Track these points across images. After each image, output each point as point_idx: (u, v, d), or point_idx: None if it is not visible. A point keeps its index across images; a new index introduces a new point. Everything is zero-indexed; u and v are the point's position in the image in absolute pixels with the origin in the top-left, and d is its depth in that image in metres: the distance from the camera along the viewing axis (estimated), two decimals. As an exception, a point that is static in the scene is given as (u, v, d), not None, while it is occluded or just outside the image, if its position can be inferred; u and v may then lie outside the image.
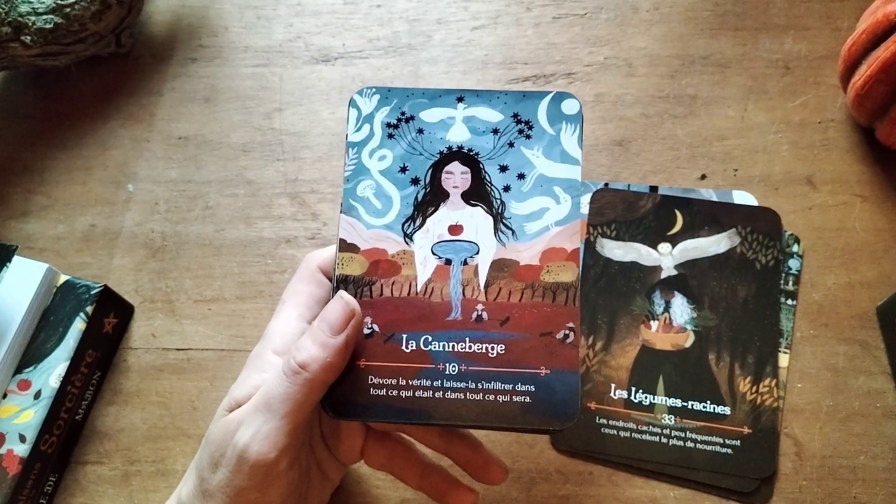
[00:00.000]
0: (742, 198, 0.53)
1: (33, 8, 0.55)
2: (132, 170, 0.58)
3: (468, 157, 0.37)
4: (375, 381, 0.34)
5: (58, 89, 0.62)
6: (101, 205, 0.57)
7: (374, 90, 0.39)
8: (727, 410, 0.47)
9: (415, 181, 0.37)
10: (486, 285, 0.36)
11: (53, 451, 0.48)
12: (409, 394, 0.34)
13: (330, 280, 0.38)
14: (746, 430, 0.47)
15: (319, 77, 0.61)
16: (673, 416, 0.47)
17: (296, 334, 0.36)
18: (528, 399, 0.34)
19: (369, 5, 0.64)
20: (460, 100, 0.38)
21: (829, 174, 0.54)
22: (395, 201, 0.37)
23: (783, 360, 0.49)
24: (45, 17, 0.55)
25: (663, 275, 0.51)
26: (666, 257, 0.51)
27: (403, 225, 0.37)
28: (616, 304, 0.51)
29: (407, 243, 0.36)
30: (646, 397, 0.48)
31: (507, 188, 0.37)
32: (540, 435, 0.48)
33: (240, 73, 0.62)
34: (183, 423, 0.50)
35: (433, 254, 0.36)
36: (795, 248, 0.52)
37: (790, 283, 0.51)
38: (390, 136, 0.38)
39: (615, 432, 0.47)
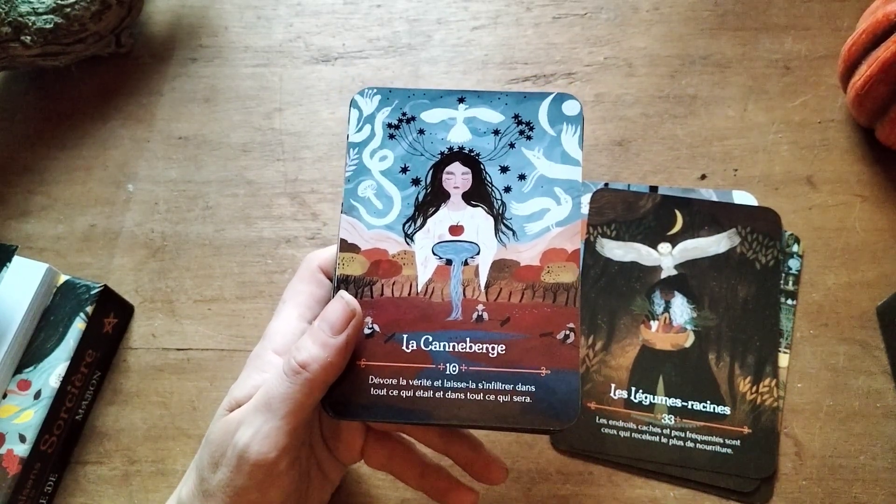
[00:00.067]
0: (742, 198, 0.53)
1: (33, 8, 0.55)
2: (132, 170, 0.58)
3: (469, 158, 0.37)
4: (376, 381, 0.34)
5: (58, 89, 0.62)
6: (101, 205, 0.57)
7: (375, 90, 0.39)
8: (727, 410, 0.47)
9: (416, 182, 0.37)
10: (487, 286, 0.36)
11: (53, 451, 0.48)
12: (410, 394, 0.34)
13: (330, 280, 0.38)
14: (746, 430, 0.47)
15: (319, 77, 0.61)
16: (673, 416, 0.47)
17: (296, 334, 0.36)
18: (528, 399, 0.34)
19: (369, 5, 0.64)
20: (461, 100, 0.38)
21: (829, 174, 0.54)
22: (395, 202, 0.37)
23: (783, 360, 0.49)
24: (45, 17, 0.55)
25: (663, 275, 0.51)
26: (666, 257, 0.51)
27: (404, 225, 0.37)
28: (616, 304, 0.51)
29: (408, 243, 0.36)
30: (646, 397, 0.48)
31: (507, 189, 0.37)
32: (540, 435, 0.48)
33: (240, 73, 0.62)
34: (183, 423, 0.50)
35: (434, 254, 0.36)
36: (795, 248, 0.52)
37: (790, 283, 0.51)
38: (391, 136, 0.38)
39: (615, 432, 0.47)
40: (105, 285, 0.51)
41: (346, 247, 0.36)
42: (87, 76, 0.62)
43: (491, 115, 0.38)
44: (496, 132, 0.38)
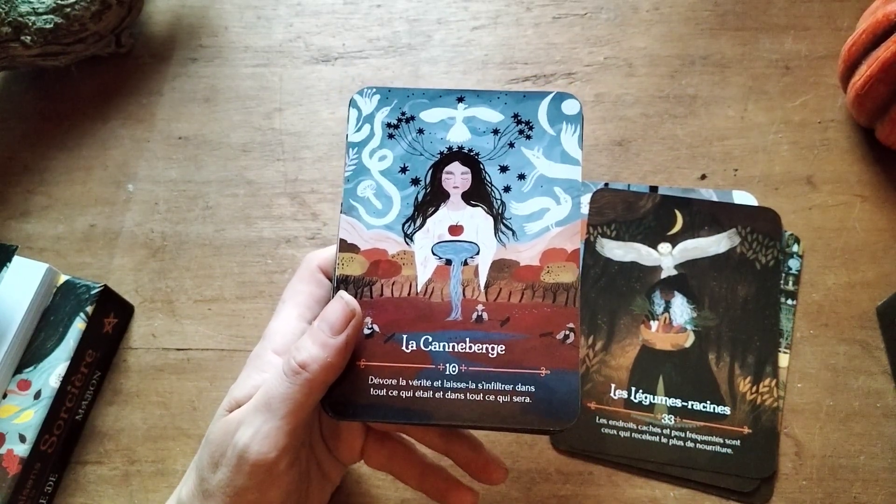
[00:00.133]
0: (742, 198, 0.53)
1: (33, 8, 0.55)
2: (132, 170, 0.58)
3: (468, 158, 0.37)
4: (375, 381, 0.34)
5: (58, 89, 0.62)
6: (101, 205, 0.57)
7: (374, 90, 0.39)
8: (727, 410, 0.47)
9: (415, 181, 0.37)
10: (487, 286, 0.36)
11: (53, 451, 0.48)
12: (410, 394, 0.34)
13: (330, 280, 0.38)
14: (746, 430, 0.47)
15: (319, 77, 0.61)
16: (673, 416, 0.47)
17: (296, 334, 0.36)
18: (528, 399, 0.34)
19: (369, 5, 0.64)
20: (461, 100, 0.38)
21: (829, 174, 0.54)
22: (395, 201, 0.37)
23: (783, 360, 0.49)
24: (45, 17, 0.55)
25: (663, 275, 0.51)
26: (666, 257, 0.51)
27: (404, 225, 0.37)
28: (616, 304, 0.51)
29: (407, 243, 0.36)
30: (646, 397, 0.48)
31: (507, 188, 0.37)
32: (540, 435, 0.48)
33: (240, 73, 0.62)
34: (183, 423, 0.50)
35: (433, 254, 0.36)
36: (795, 248, 0.52)
37: (790, 283, 0.51)
38: (391, 136, 0.38)
39: (615, 432, 0.47)
40: (105, 285, 0.51)
41: (346, 247, 0.36)
42: (87, 76, 0.62)
43: (490, 115, 0.38)
44: (496, 132, 0.38)
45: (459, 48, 0.61)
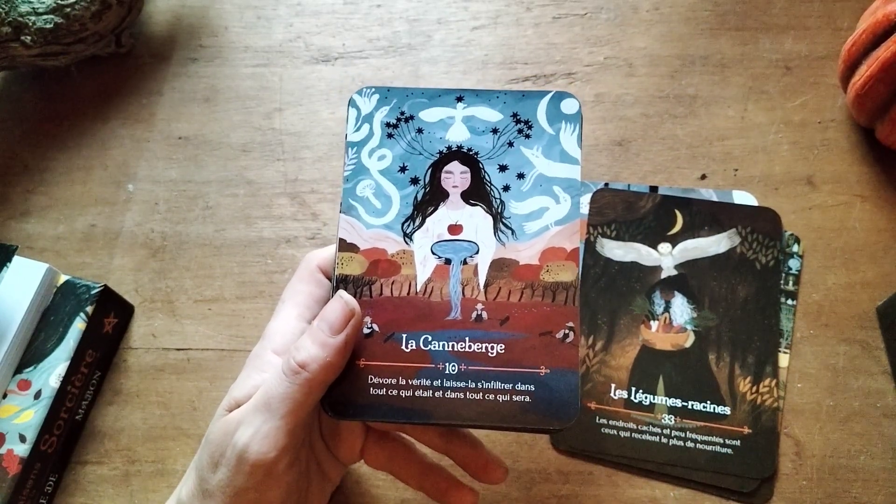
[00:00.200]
0: (742, 198, 0.53)
1: (33, 8, 0.55)
2: (132, 170, 0.58)
3: (468, 157, 0.37)
4: (375, 380, 0.34)
5: (58, 89, 0.62)
6: (101, 205, 0.57)
7: (373, 90, 0.39)
8: (727, 410, 0.47)
9: (414, 181, 0.37)
10: (486, 285, 0.36)
11: (53, 451, 0.48)
12: (409, 393, 0.34)
13: (329, 280, 0.38)
14: (746, 430, 0.47)
15: (319, 77, 0.61)
16: (673, 416, 0.47)
17: (295, 334, 0.36)
18: (527, 398, 0.34)
19: (369, 5, 0.64)
20: (460, 99, 0.38)
21: (829, 174, 0.54)
22: (394, 201, 0.37)
23: (783, 360, 0.49)
24: (45, 17, 0.55)
25: (663, 275, 0.51)
26: (666, 257, 0.51)
27: (403, 224, 0.37)
28: (616, 304, 0.50)
29: (406, 243, 0.36)
30: (646, 397, 0.48)
31: (506, 188, 0.37)
32: (540, 435, 0.48)
33: (240, 73, 0.62)
34: (183, 423, 0.50)
35: (433, 253, 0.36)
36: (795, 248, 0.52)
37: (790, 283, 0.51)
38: (390, 135, 0.38)
39: (615, 432, 0.47)
40: (105, 285, 0.51)
41: (345, 246, 0.36)
42: (87, 76, 0.62)
43: (489, 114, 0.38)
44: (495, 131, 0.38)
45: (459, 48, 0.61)
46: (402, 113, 0.38)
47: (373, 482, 0.47)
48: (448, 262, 0.36)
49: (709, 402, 0.47)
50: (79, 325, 0.49)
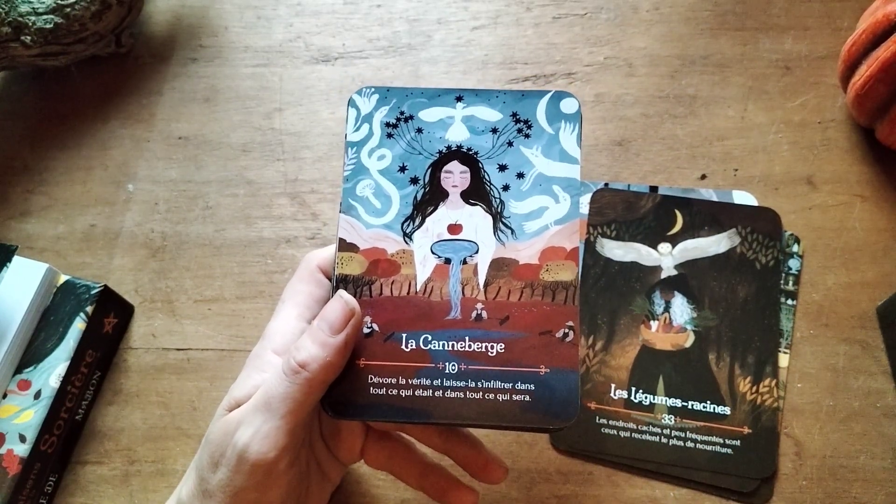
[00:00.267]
0: (742, 198, 0.53)
1: (33, 8, 0.55)
2: (132, 170, 0.58)
3: (467, 157, 0.37)
4: (375, 380, 0.34)
5: (58, 89, 0.62)
6: (101, 205, 0.57)
7: (373, 90, 0.39)
8: (727, 410, 0.47)
9: (414, 180, 0.37)
10: (486, 284, 0.36)
11: (53, 451, 0.48)
12: (409, 393, 0.34)
13: (329, 280, 0.38)
14: (746, 430, 0.47)
15: (319, 77, 0.61)
16: (673, 416, 0.47)
17: (295, 334, 0.36)
18: (527, 398, 0.34)
19: (369, 5, 0.64)
20: (459, 99, 0.38)
21: (829, 174, 0.54)
22: (394, 201, 0.37)
23: (783, 360, 0.49)
24: (45, 17, 0.55)
25: (663, 275, 0.51)
26: (666, 257, 0.51)
27: (403, 224, 0.37)
28: (616, 304, 0.50)
29: (406, 243, 0.36)
30: (646, 397, 0.48)
31: (506, 187, 0.37)
32: (540, 434, 0.48)
33: (240, 73, 0.62)
34: (183, 423, 0.50)
35: (432, 253, 0.36)
36: (795, 248, 0.52)
37: (790, 283, 0.51)
38: (389, 135, 0.38)
39: (615, 432, 0.47)
40: (105, 285, 0.51)
41: (345, 246, 0.36)
42: (87, 76, 0.62)
43: (489, 114, 0.38)
44: (494, 130, 0.38)
45: (459, 48, 0.61)
46: (402, 113, 0.38)
47: (373, 482, 0.47)
48: (448, 261, 0.36)
49: (709, 402, 0.47)
50: (79, 325, 0.49)
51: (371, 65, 0.61)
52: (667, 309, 0.50)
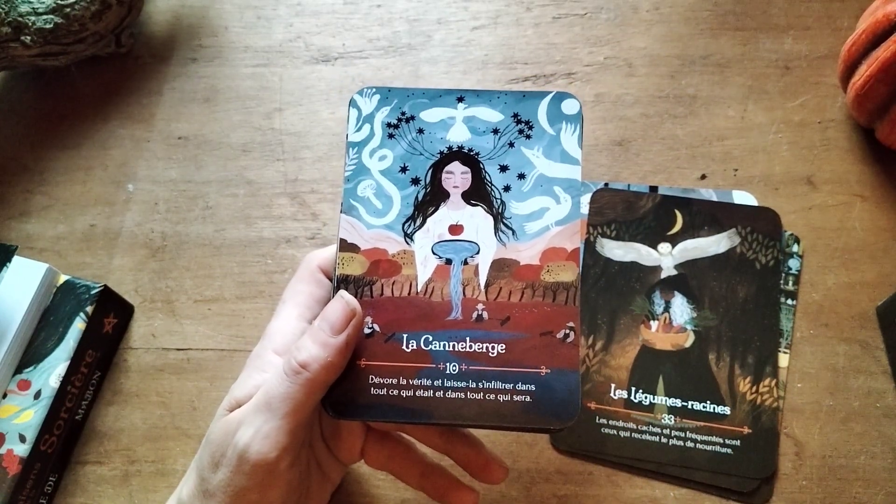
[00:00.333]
0: (742, 198, 0.53)
1: (33, 8, 0.55)
2: (132, 170, 0.58)
3: (468, 157, 0.37)
4: (376, 380, 0.34)
5: (58, 89, 0.62)
6: (101, 205, 0.57)
7: (374, 90, 0.39)
8: (727, 410, 0.47)
9: (415, 181, 0.37)
10: (487, 285, 0.36)
11: (53, 451, 0.48)
12: (410, 393, 0.34)
13: (330, 280, 0.38)
14: (746, 430, 0.47)
15: (319, 77, 0.61)
16: (673, 416, 0.47)
17: (296, 334, 0.36)
18: (528, 398, 0.34)
19: (369, 5, 0.64)
20: (460, 100, 0.38)
21: (829, 174, 0.54)
22: (395, 201, 0.37)
23: (783, 360, 0.49)
24: (45, 17, 0.55)
25: (663, 275, 0.51)
26: (666, 257, 0.51)
27: (404, 225, 0.37)
28: (616, 304, 0.51)
29: (407, 243, 0.36)
30: (646, 397, 0.48)
31: (507, 188, 0.37)
32: (540, 434, 0.48)
33: (240, 73, 0.62)
34: (183, 423, 0.50)
35: (433, 253, 0.36)
36: (795, 248, 0.52)
37: (790, 283, 0.51)
38: (390, 136, 0.38)
39: (615, 432, 0.47)
40: (105, 285, 0.51)
41: (346, 246, 0.36)
42: (87, 76, 0.62)
43: (490, 115, 0.38)
44: (495, 131, 0.38)
45: (459, 48, 0.61)
46: (403, 113, 0.38)
47: (373, 482, 0.47)
48: (449, 262, 0.36)
49: (709, 402, 0.47)
50: (79, 325, 0.49)
51: (371, 65, 0.61)
52: (667, 309, 0.50)
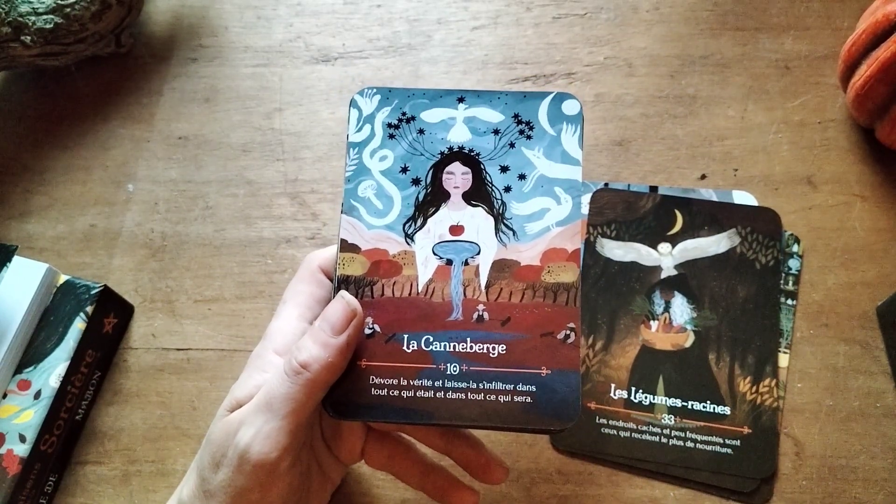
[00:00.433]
0: (742, 198, 0.53)
1: (33, 8, 0.55)
2: (132, 170, 0.58)
3: (469, 158, 0.37)
4: (376, 381, 0.34)
5: (58, 89, 0.62)
6: (101, 205, 0.57)
7: (374, 90, 0.39)
8: (727, 410, 0.47)
9: (416, 181, 0.37)
10: (487, 285, 0.36)
11: (53, 451, 0.48)
12: (411, 394, 0.34)
13: (331, 280, 0.38)
14: (746, 430, 0.47)
15: (319, 77, 0.61)
16: (673, 416, 0.47)
17: (297, 334, 0.36)
18: (529, 399, 0.34)
19: (369, 5, 0.64)
20: (461, 100, 0.38)
21: (829, 174, 0.54)
22: (396, 202, 0.37)
23: (783, 360, 0.49)
24: (45, 17, 0.55)
25: (663, 275, 0.51)
26: (666, 257, 0.52)
27: (404, 225, 0.37)
28: (616, 304, 0.51)
29: (408, 243, 0.36)
30: (646, 397, 0.48)
31: (507, 189, 0.37)
32: (540, 435, 0.48)
33: (240, 73, 0.62)
34: (183, 423, 0.50)
35: (434, 254, 0.36)
36: (795, 248, 0.52)
37: (790, 283, 0.51)
38: (391, 136, 0.38)
39: (615, 432, 0.47)
40: (105, 285, 0.51)
41: (347, 247, 0.36)
42: (87, 76, 0.62)
43: (491, 115, 0.38)
44: (496, 132, 0.38)
45: (459, 48, 0.61)
46: (404, 114, 0.38)
47: (373, 482, 0.47)
48: (449, 262, 0.36)
49: (709, 402, 0.48)
50: (79, 325, 0.49)
51: (371, 65, 0.61)
52: (667, 309, 0.50)
